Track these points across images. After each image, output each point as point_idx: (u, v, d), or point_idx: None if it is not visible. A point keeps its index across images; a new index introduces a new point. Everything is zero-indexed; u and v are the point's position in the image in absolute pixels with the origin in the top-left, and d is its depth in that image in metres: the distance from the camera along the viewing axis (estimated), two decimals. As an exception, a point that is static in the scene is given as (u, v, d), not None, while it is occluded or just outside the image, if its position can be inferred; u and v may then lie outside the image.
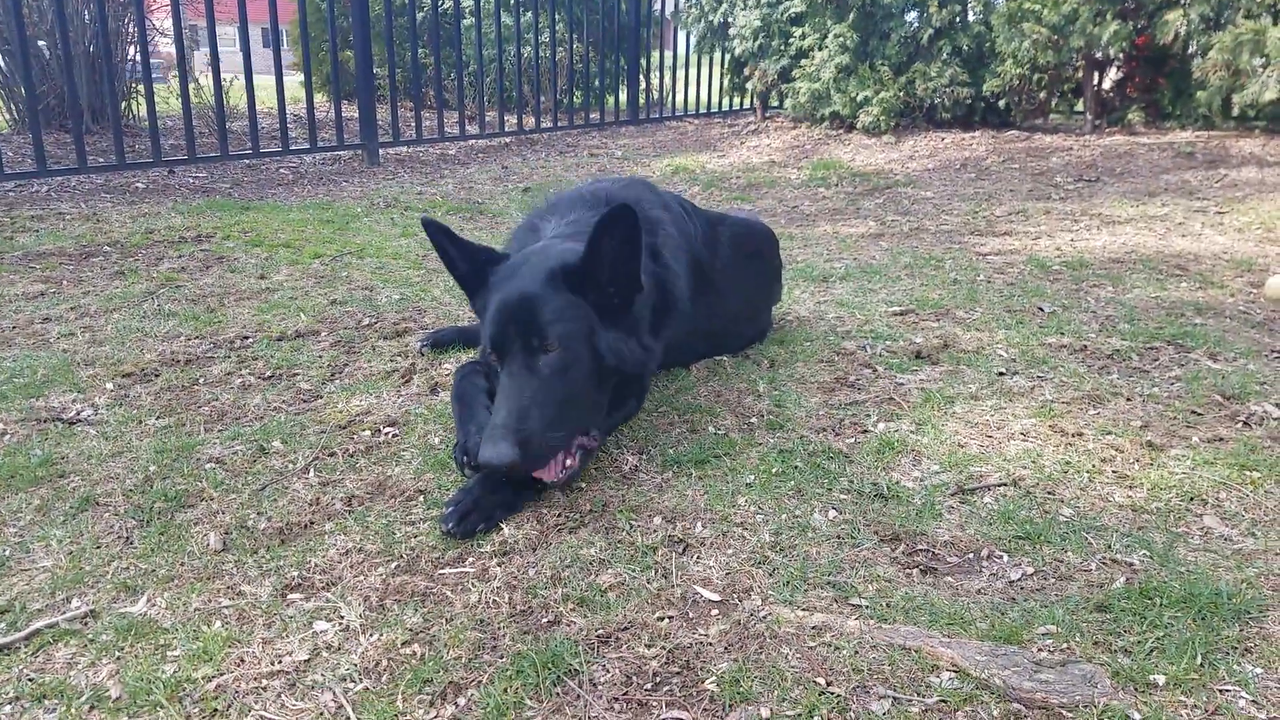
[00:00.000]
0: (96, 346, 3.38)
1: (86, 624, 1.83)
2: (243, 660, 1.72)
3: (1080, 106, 9.49)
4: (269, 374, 3.15)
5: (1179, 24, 7.90)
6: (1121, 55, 8.62)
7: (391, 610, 1.86)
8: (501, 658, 1.71)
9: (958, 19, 9.26)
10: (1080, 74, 9.09)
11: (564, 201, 2.94)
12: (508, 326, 2.32)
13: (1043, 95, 9.26)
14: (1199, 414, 2.83)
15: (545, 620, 1.83)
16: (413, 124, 9.00)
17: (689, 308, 2.85)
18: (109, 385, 3.02)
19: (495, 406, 2.27)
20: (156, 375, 3.12)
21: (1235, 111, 7.83)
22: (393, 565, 2.02)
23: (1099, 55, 8.67)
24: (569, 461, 2.31)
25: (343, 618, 1.84)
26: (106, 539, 2.13)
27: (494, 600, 1.89)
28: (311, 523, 2.20)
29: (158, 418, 2.79)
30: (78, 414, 2.81)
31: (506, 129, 9.86)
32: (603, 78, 11.19)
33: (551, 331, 2.30)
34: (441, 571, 2.01)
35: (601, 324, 2.39)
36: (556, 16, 10.44)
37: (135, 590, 1.94)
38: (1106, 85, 9.30)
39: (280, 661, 1.71)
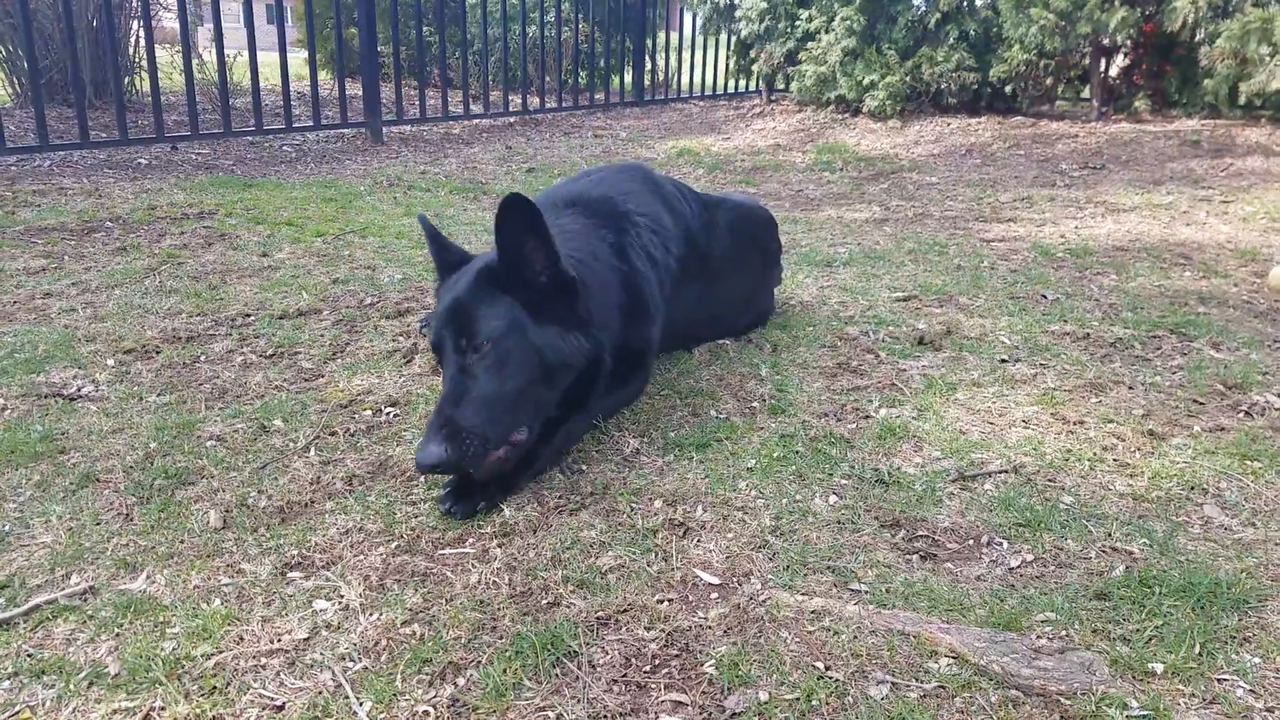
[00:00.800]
0: (98, 322, 3.37)
1: (86, 600, 1.83)
2: (242, 638, 1.72)
3: (1087, 93, 9.44)
4: (270, 352, 3.15)
5: (1187, 11, 7.84)
6: (1129, 42, 8.57)
7: (391, 590, 1.86)
8: (501, 638, 1.72)
9: (965, 4, 9.20)
10: (1087, 61, 9.04)
11: (548, 200, 2.91)
12: (442, 331, 2.31)
13: (1049, 82, 9.21)
14: (1201, 403, 2.82)
15: (545, 602, 1.83)
16: (417, 103, 8.96)
17: (660, 306, 2.82)
18: (110, 361, 3.02)
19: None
20: (158, 352, 3.12)
21: (1242, 100, 7.79)
22: (393, 545, 2.02)
23: (1106, 42, 8.62)
24: (499, 454, 2.23)
25: (342, 597, 1.84)
26: (106, 515, 2.13)
27: (494, 581, 1.89)
28: (312, 502, 2.20)
29: (159, 394, 2.79)
30: (78, 390, 2.80)
31: (511, 109, 9.82)
32: (608, 58, 11.13)
33: (479, 331, 2.27)
34: (442, 552, 2.01)
35: (534, 321, 2.33)
36: (562, -4, 10.37)
37: (135, 567, 1.94)
38: (1113, 72, 9.25)
39: (280, 640, 1.72)
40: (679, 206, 3.07)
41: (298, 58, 10.56)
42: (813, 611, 1.79)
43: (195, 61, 7.67)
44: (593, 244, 2.68)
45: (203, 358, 3.09)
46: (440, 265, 2.59)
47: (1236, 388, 2.93)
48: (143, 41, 7.53)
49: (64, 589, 1.86)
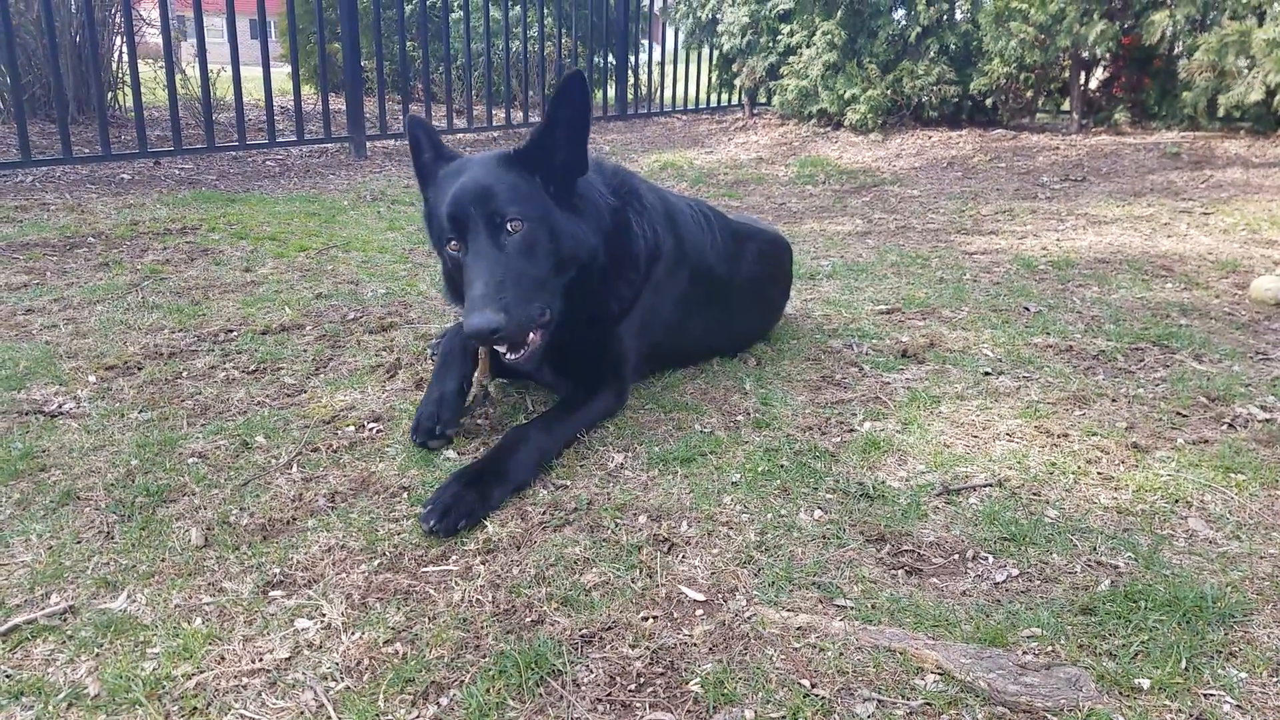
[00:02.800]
0: (79, 339, 3.34)
1: (65, 620, 1.81)
2: (223, 658, 1.70)
3: (1067, 106, 9.52)
4: (253, 368, 3.13)
5: (1165, 25, 7.94)
6: (1108, 55, 8.66)
7: (374, 608, 1.85)
8: (484, 657, 1.70)
9: (945, 17, 9.27)
10: (1067, 73, 9.13)
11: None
12: (468, 207, 2.38)
13: (1029, 94, 9.29)
14: (1184, 415, 2.84)
15: (529, 619, 1.81)
16: (400, 117, 8.95)
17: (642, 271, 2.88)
18: (91, 378, 2.99)
19: (468, 283, 2.35)
20: (139, 368, 3.10)
21: (1221, 112, 7.87)
22: (375, 563, 2.01)
23: (1086, 55, 8.71)
24: (533, 338, 2.42)
25: (324, 615, 1.82)
26: (87, 534, 2.10)
27: (477, 599, 1.88)
28: (294, 519, 2.18)
29: (140, 411, 2.76)
30: (59, 407, 2.78)
31: (494, 123, 9.82)
32: (591, 73, 11.16)
33: (514, 210, 2.38)
34: (425, 569, 1.99)
35: (557, 206, 2.48)
36: (545, 11, 10.40)
37: (115, 586, 1.91)
38: (1093, 85, 9.34)
39: (261, 659, 1.70)
40: (688, 231, 3.06)
41: (281, 73, 10.55)
42: (798, 628, 1.78)
43: (178, 77, 7.64)
44: (595, 191, 2.72)
45: (185, 374, 3.07)
46: (432, 153, 2.65)
47: (1219, 400, 2.95)
48: (125, 56, 7.50)
49: (43, 608, 1.83)
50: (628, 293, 2.76)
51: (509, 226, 2.37)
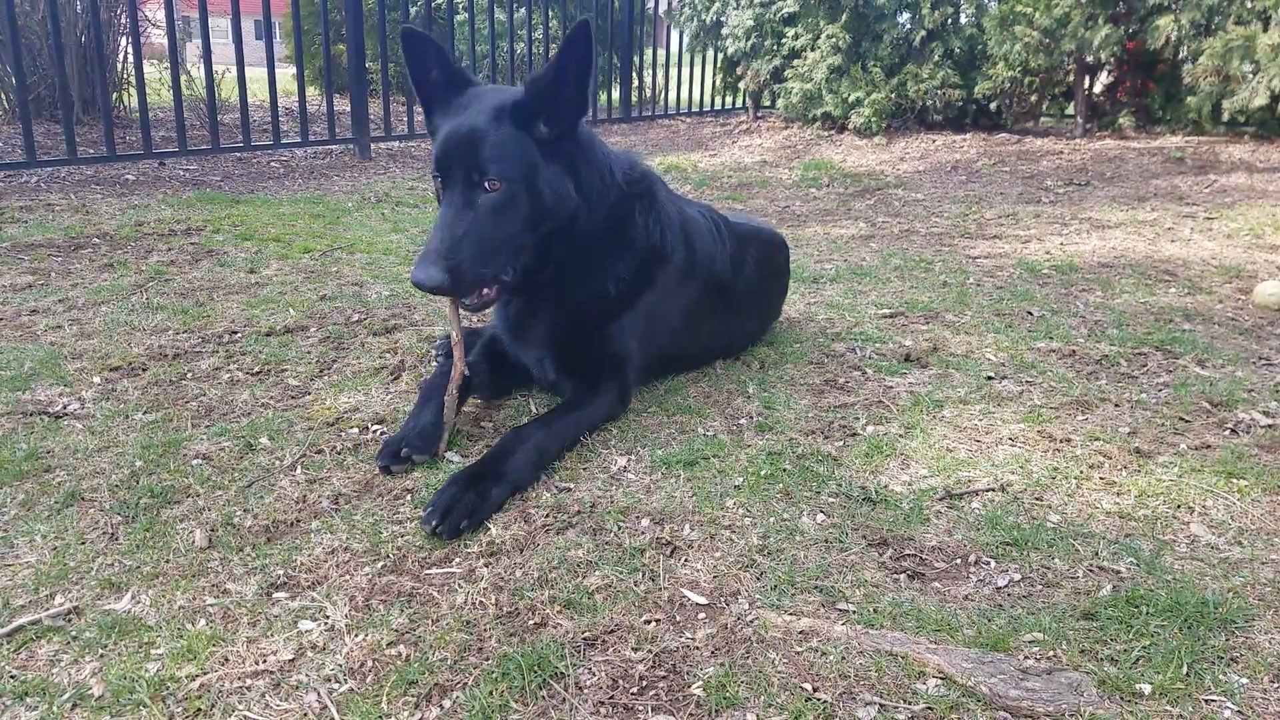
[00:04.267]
0: (84, 339, 3.36)
1: (70, 621, 1.82)
2: (227, 659, 1.71)
3: (1071, 110, 9.52)
4: (257, 369, 3.14)
5: (1170, 29, 7.93)
6: (1112, 59, 8.65)
7: (377, 610, 1.85)
8: (487, 660, 1.71)
9: (950, 21, 9.28)
10: (1071, 77, 9.12)
11: None
12: (452, 155, 2.42)
13: (1034, 98, 9.29)
14: (1187, 421, 2.84)
15: (532, 622, 1.82)
16: (405, 119, 8.97)
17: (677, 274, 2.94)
18: (96, 379, 3.01)
19: (431, 233, 2.40)
20: (144, 369, 3.11)
21: (1225, 117, 7.87)
22: (379, 565, 2.01)
23: (1090, 59, 8.70)
24: (487, 292, 2.48)
25: (328, 617, 1.83)
26: (91, 535, 2.11)
27: (480, 601, 1.89)
28: (298, 521, 2.19)
29: (145, 412, 2.77)
30: (64, 408, 2.79)
31: (499, 125, 9.82)
32: (595, 75, 11.16)
33: (494, 169, 2.40)
34: (428, 572, 2.00)
35: (544, 159, 2.49)
36: (550, 13, 10.41)
37: (119, 587, 1.92)
38: (1097, 89, 9.34)
39: (265, 661, 1.70)
40: (701, 242, 3.07)
41: (286, 74, 10.57)
42: (801, 632, 1.79)
43: (183, 78, 7.65)
44: (601, 164, 2.73)
45: (189, 375, 3.08)
46: (442, 73, 2.60)
47: (1222, 405, 2.95)
48: (130, 57, 7.52)
49: (48, 609, 1.84)
50: (625, 272, 2.77)
51: (486, 184, 2.40)
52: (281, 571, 1.98)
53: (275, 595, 1.91)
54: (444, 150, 2.44)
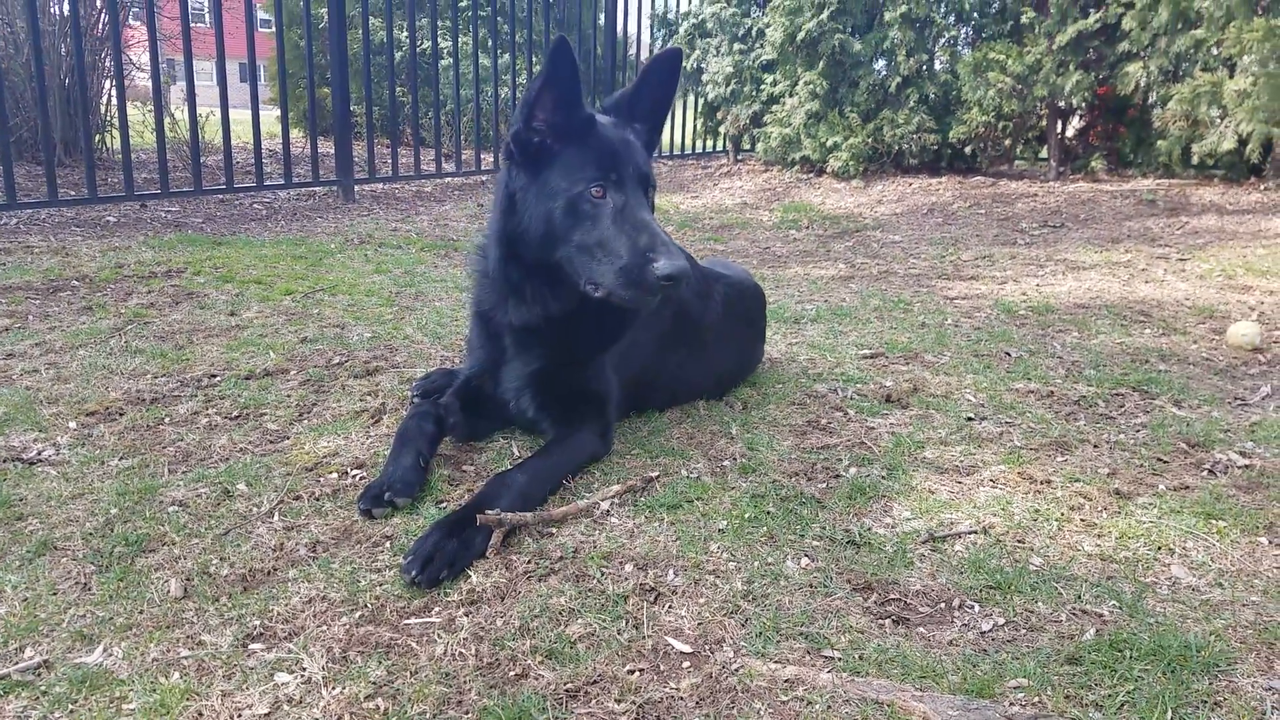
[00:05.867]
0: (60, 384, 3.32)
1: (39, 675, 1.77)
2: (201, 714, 1.67)
3: (1044, 153, 9.68)
4: (236, 414, 3.11)
5: (1139, 75, 8.10)
6: (1084, 104, 8.83)
7: (355, 662, 1.82)
8: (467, 713, 1.68)
9: (924, 68, 9.45)
10: (1044, 122, 9.29)
11: None
12: (629, 164, 2.61)
13: (1008, 142, 9.45)
14: (1165, 462, 2.86)
15: (513, 673, 1.79)
16: (389, 161, 9.00)
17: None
18: (72, 424, 2.97)
19: (637, 230, 2.51)
20: (121, 414, 3.07)
21: (1195, 160, 8.03)
22: (357, 615, 1.98)
23: (1062, 104, 8.87)
24: None
25: (305, 669, 1.80)
26: (64, 585, 2.07)
27: (460, 652, 1.86)
28: (275, 569, 2.16)
29: (121, 458, 2.74)
30: (38, 454, 2.75)
31: (483, 167, 9.89)
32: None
33: (655, 180, 2.73)
34: (407, 622, 1.97)
35: None
36: (534, 59, 10.52)
37: (91, 639, 1.88)
38: (1070, 133, 9.51)
39: (240, 715, 1.67)
40: None
41: (270, 116, 10.60)
42: (786, 680, 1.77)
43: (167, 119, 7.67)
44: None
45: (167, 420, 3.04)
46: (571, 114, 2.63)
47: (1199, 446, 2.97)
48: (114, 99, 7.53)
49: (16, 663, 1.80)
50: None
51: (646, 193, 2.66)
52: (258, 622, 1.95)
53: (251, 646, 1.87)
54: (620, 158, 2.60)
